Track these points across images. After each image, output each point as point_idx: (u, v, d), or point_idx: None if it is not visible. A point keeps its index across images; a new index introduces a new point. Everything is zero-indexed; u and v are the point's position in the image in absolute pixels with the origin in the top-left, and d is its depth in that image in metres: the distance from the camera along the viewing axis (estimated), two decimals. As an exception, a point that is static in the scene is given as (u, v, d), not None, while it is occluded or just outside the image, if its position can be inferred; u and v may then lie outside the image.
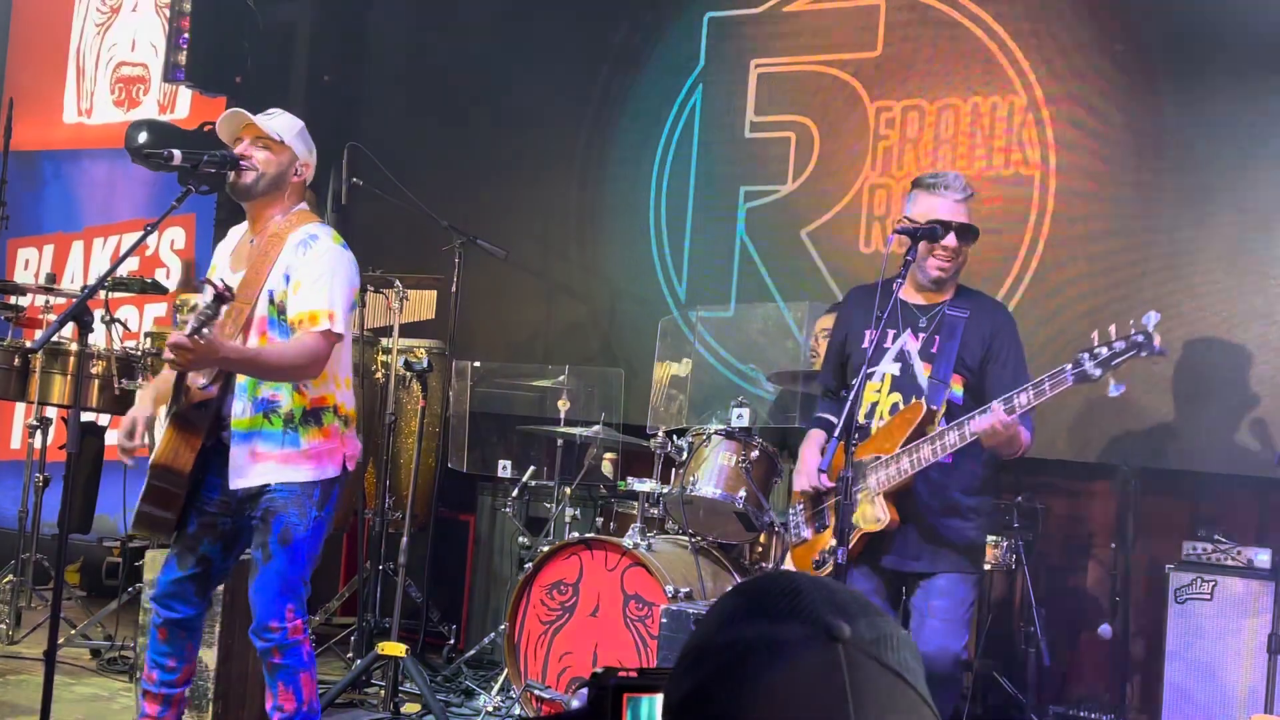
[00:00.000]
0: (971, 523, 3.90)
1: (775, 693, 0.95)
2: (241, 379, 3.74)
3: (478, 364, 5.95)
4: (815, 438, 4.08)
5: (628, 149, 6.60)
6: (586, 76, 6.74)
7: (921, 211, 3.88)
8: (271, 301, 3.73)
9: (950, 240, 3.84)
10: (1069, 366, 3.44)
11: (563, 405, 5.56)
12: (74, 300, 3.54)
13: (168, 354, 3.45)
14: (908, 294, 3.97)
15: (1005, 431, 3.55)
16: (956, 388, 3.86)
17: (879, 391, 3.91)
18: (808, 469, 3.97)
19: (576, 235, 6.70)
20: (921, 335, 3.90)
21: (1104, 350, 3.38)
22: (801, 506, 4.05)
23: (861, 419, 3.87)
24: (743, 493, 4.80)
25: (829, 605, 0.99)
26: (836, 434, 3.59)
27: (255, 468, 3.72)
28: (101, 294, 5.57)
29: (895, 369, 3.91)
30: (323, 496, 3.77)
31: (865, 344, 3.88)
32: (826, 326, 5.39)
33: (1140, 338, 3.35)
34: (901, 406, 3.86)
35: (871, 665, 0.96)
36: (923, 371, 3.87)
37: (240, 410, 3.73)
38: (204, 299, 3.47)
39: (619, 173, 6.62)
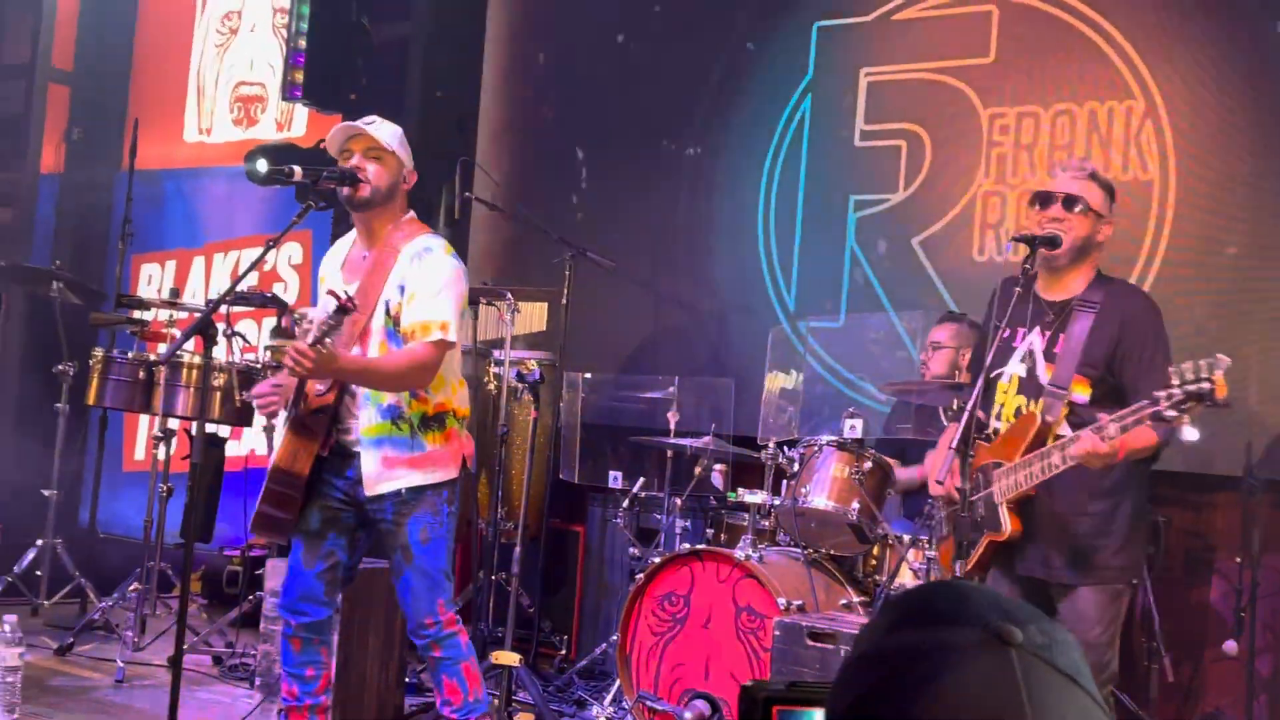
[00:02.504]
0: (1108, 527, 3.70)
1: (949, 698, 0.94)
2: (365, 390, 3.84)
3: (588, 375, 6.00)
4: (949, 432, 4.00)
5: (736, 159, 6.61)
6: (695, 87, 6.77)
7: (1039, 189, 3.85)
8: (387, 313, 3.85)
9: (1055, 209, 3.73)
10: (1146, 404, 3.26)
11: (672, 416, 5.58)
12: (197, 315, 3.65)
13: (288, 361, 3.56)
14: (1043, 288, 3.82)
15: (1104, 459, 3.40)
16: (1081, 389, 3.67)
17: (1006, 393, 3.81)
18: (936, 472, 3.85)
19: (685, 246, 6.73)
20: (1047, 334, 3.76)
21: (1177, 392, 3.18)
22: (938, 505, 3.97)
23: (993, 420, 3.81)
24: (855, 504, 4.78)
25: (998, 610, 0.99)
26: (953, 443, 3.54)
27: (387, 474, 3.86)
28: (222, 308, 5.73)
29: (1022, 370, 3.78)
30: (450, 494, 3.93)
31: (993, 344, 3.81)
32: (938, 339, 5.34)
33: (1206, 385, 3.13)
34: (1024, 410, 3.76)
35: (1045, 669, 0.96)
36: (1045, 373, 3.73)
37: (368, 418, 3.86)
38: (326, 309, 3.57)
39: (727, 182, 6.63)
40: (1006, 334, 3.83)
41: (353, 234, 4.09)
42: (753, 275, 6.48)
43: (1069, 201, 3.73)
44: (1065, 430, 3.64)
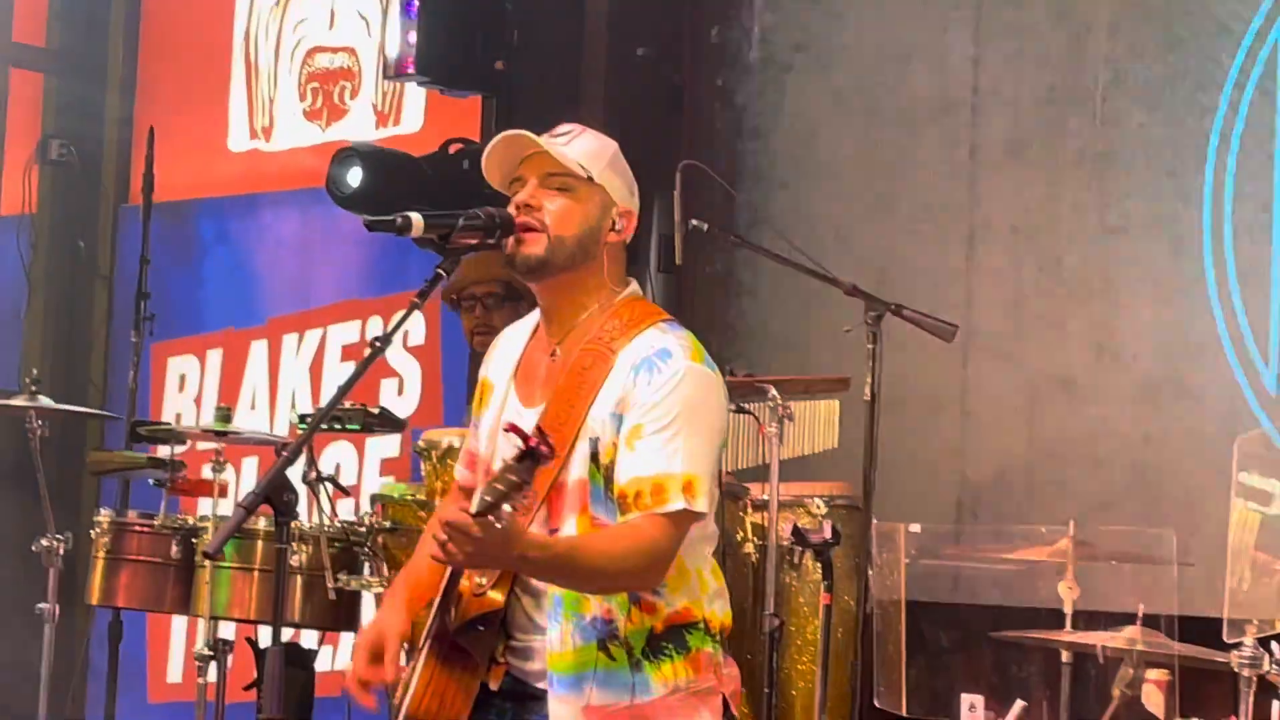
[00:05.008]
0: None
1: None
2: (555, 587, 3.86)
3: (916, 527, 5.93)
4: None
5: (1154, 131, 6.56)
6: (1067, 19, 6.75)
7: None
8: (595, 458, 3.84)
9: None
10: None
11: (1068, 592, 5.50)
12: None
13: (438, 538, 3.56)
14: None
15: None
16: None
17: None
18: None
19: (1075, 289, 6.69)
20: None
21: None
22: None
23: None
24: None
25: None
26: None
27: None
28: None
29: None
30: None
31: None
32: None
33: None
34: None
35: None
36: None
37: (558, 639, 3.84)
38: (504, 456, 3.54)
39: (1140, 176, 6.60)
40: None
41: (534, 316, 4.10)
42: (1196, 331, 6.40)
43: None
44: None
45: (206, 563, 6.01)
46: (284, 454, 3.68)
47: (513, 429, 3.50)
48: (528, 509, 3.77)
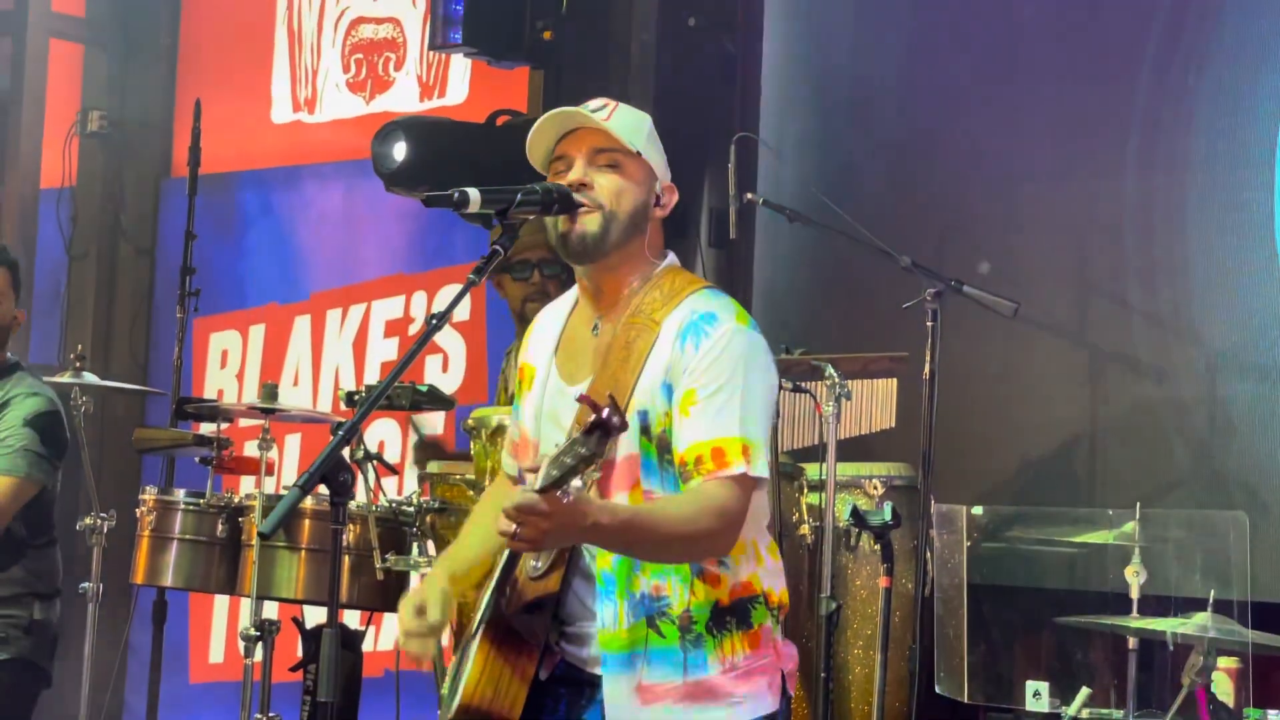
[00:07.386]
0: None
1: None
2: (605, 562, 3.83)
3: (978, 509, 5.91)
4: None
5: (1234, 84, 6.48)
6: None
7: None
8: (646, 430, 3.82)
9: None
10: None
11: (1134, 576, 5.45)
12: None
13: (507, 525, 3.51)
14: None
15: None
16: None
17: None
18: None
19: (1139, 264, 6.64)
20: None
21: None
22: None
23: None
24: None
25: None
26: None
27: (646, 714, 3.82)
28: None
29: None
30: None
31: None
32: None
33: None
34: None
35: None
36: None
37: (611, 617, 3.82)
38: (577, 432, 3.49)
39: (1208, 151, 6.50)
40: None
41: (571, 295, 4.12)
42: (1264, 308, 6.33)
43: None
44: None
45: (254, 542, 6.02)
46: (340, 433, 3.65)
47: (586, 400, 3.49)
48: (593, 485, 3.75)
